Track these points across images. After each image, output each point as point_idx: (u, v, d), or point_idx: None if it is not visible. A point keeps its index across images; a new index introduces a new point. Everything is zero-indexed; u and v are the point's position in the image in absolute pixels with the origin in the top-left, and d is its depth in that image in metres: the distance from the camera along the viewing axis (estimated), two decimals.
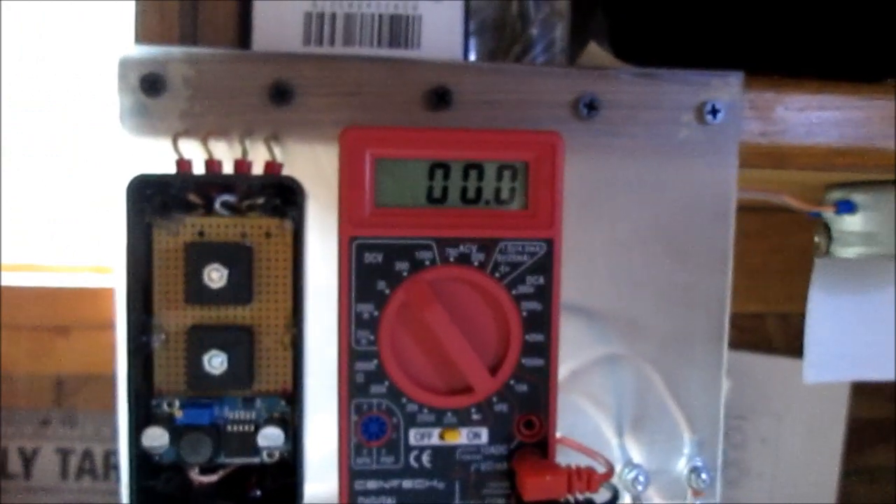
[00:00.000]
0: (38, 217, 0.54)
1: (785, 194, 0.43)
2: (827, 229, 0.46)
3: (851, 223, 0.44)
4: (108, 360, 0.32)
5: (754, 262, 0.78)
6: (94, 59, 0.30)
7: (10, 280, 0.75)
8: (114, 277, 0.31)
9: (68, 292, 0.76)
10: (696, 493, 0.35)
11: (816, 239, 0.46)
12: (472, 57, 0.35)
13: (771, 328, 0.83)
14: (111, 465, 0.80)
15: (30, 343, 0.78)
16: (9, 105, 0.45)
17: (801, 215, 0.52)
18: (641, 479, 0.34)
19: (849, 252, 0.44)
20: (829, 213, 0.45)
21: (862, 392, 0.82)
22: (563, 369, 0.34)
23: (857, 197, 0.44)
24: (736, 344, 0.80)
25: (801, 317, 0.48)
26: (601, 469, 0.31)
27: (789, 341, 0.82)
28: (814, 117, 0.35)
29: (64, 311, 0.78)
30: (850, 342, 0.47)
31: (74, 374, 0.79)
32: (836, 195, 0.45)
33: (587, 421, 0.35)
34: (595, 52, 0.37)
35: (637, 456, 0.35)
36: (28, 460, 0.80)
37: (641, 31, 0.36)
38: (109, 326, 0.32)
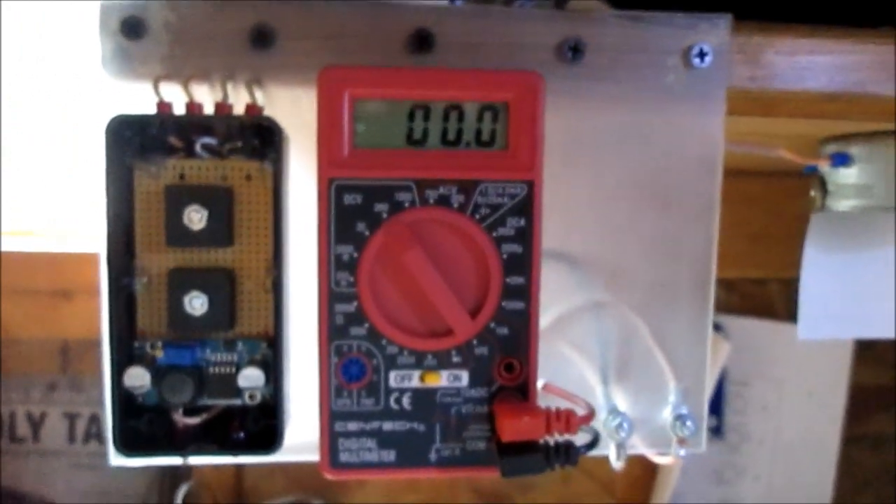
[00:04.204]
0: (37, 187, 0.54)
1: (780, 148, 0.43)
2: (822, 183, 0.45)
3: (847, 176, 0.44)
4: None
5: (756, 227, 0.77)
6: (94, 58, 0.30)
7: (13, 245, 0.75)
8: (96, 222, 0.31)
9: (71, 257, 0.76)
10: (681, 441, 0.35)
11: (812, 193, 0.46)
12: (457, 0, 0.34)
13: (773, 294, 0.82)
14: None
15: (35, 308, 0.79)
16: (9, 105, 0.45)
17: (804, 180, 0.52)
18: (625, 426, 0.34)
19: (844, 205, 0.44)
20: (824, 167, 0.44)
21: (863, 359, 0.82)
22: (547, 317, 0.34)
23: (852, 149, 0.43)
24: (738, 309, 0.80)
25: None
26: (582, 412, 0.31)
27: (791, 307, 0.81)
28: (804, 62, 0.34)
29: (67, 275, 0.79)
30: (846, 298, 0.46)
31: (79, 339, 0.80)
32: (831, 148, 0.44)
33: (571, 368, 0.35)
34: None
35: (622, 404, 0.35)
36: (36, 425, 0.82)
37: None
38: None
